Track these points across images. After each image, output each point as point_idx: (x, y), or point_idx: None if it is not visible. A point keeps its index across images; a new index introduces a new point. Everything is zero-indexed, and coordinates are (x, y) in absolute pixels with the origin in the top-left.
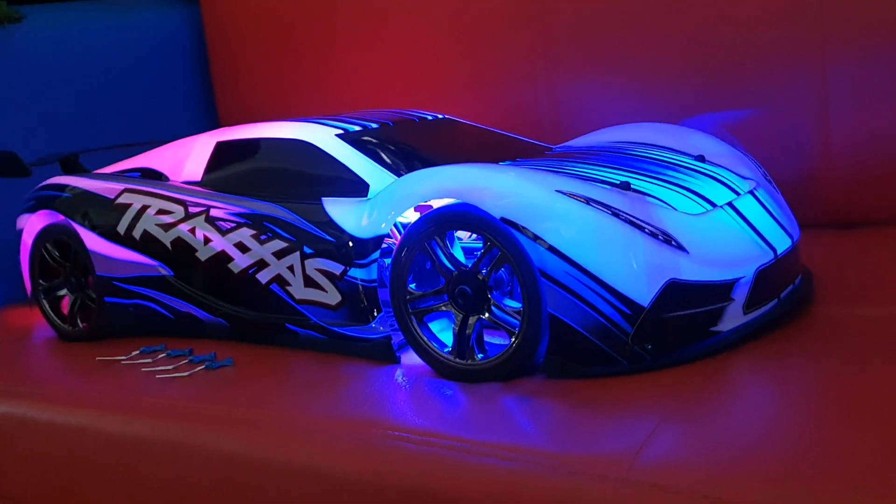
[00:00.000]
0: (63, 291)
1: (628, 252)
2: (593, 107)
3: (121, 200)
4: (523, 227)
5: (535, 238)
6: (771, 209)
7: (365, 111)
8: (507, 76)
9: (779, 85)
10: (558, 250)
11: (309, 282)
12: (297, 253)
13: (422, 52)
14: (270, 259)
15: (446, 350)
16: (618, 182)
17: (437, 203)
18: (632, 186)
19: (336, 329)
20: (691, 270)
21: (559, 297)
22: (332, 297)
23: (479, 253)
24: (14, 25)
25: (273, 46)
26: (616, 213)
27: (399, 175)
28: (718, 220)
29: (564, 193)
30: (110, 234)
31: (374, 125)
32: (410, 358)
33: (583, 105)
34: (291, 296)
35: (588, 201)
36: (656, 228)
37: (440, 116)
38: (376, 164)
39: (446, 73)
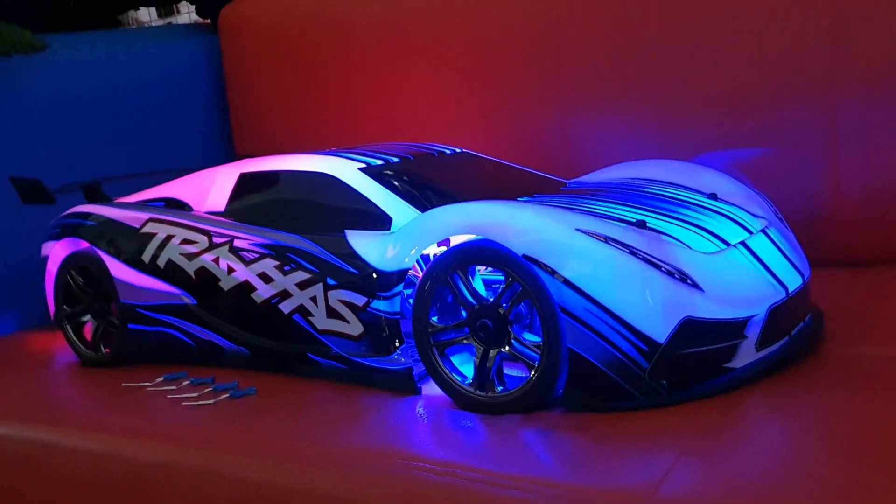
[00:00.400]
0: (86, 317)
1: (645, 290)
2: (606, 143)
3: (146, 229)
4: (544, 264)
5: (556, 275)
6: (783, 248)
7: (384, 144)
8: (521, 111)
9: (789, 124)
10: (578, 287)
11: (331, 313)
12: (321, 284)
13: (438, 85)
14: (293, 290)
15: (467, 382)
16: (633, 220)
17: (459, 238)
18: (647, 225)
19: (357, 359)
20: (706, 308)
21: (578, 332)
22: (355, 328)
23: (498, 286)
24: (38, 54)
25: (289, 77)
26: (634, 252)
27: (421, 209)
28: (732, 259)
29: (584, 232)
30: (135, 263)
31: (395, 159)
32: (431, 389)
33: (596, 141)
34: (314, 326)
35: (607, 240)
36: (672, 267)
37: (458, 150)
38: (399, 198)
39: (462, 106)
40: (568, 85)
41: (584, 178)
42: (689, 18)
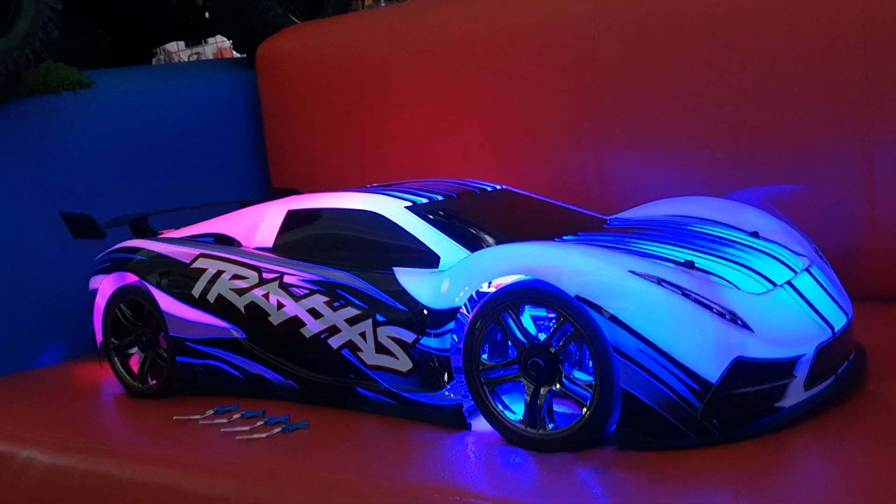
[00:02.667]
0: (134, 350)
1: (697, 330)
2: (641, 179)
3: (196, 265)
4: (598, 306)
5: (609, 316)
6: (826, 286)
7: (425, 181)
8: (556, 146)
9: (824, 160)
10: (631, 328)
11: (380, 348)
12: (370, 320)
13: (473, 120)
14: (342, 325)
15: (517, 419)
16: (682, 260)
17: (510, 279)
18: (696, 265)
19: (407, 395)
20: (756, 348)
21: (632, 372)
22: (404, 363)
23: (548, 324)
24: (84, 91)
25: (325, 112)
26: (686, 294)
27: (468, 247)
28: (780, 299)
29: (637, 273)
30: (185, 297)
31: (440, 197)
32: (480, 425)
33: (631, 177)
34: (363, 361)
35: (659, 281)
36: (723, 308)
37: (498, 187)
38: (446, 237)
39: (497, 142)
40: (603, 122)
41: (625, 215)
42: (726, 55)
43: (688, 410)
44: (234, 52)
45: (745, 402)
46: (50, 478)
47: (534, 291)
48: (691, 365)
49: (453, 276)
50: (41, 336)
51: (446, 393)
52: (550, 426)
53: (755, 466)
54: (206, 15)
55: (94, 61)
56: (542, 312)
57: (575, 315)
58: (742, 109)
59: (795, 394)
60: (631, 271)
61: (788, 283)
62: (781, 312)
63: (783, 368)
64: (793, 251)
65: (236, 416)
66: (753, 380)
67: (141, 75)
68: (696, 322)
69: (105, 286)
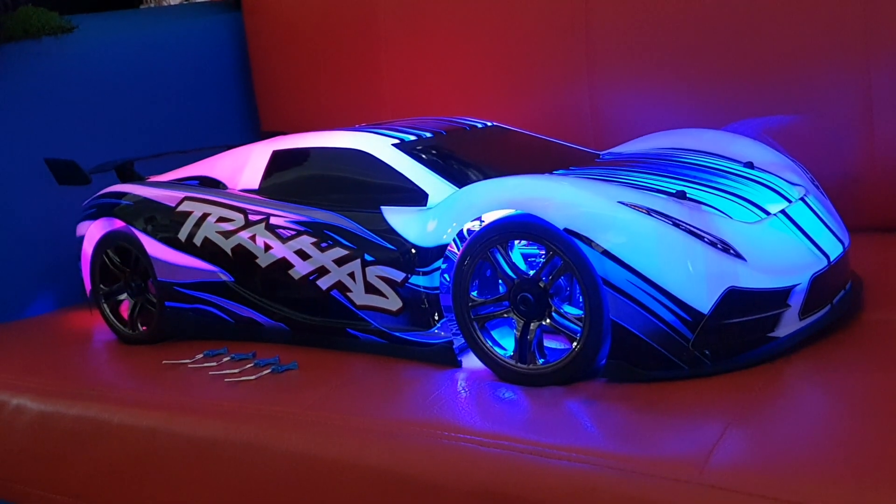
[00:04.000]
0: (123, 296)
1: (689, 261)
2: (635, 113)
3: (182, 208)
4: (587, 238)
5: (598, 247)
6: (821, 215)
7: (414, 119)
8: (550, 82)
9: (822, 89)
10: (620, 259)
11: (370, 288)
12: (358, 260)
13: (465, 57)
14: (331, 266)
15: (508, 355)
16: (673, 191)
17: (497, 214)
18: (687, 195)
19: (397, 334)
20: (749, 278)
21: (621, 304)
22: (393, 303)
23: (535, 259)
24: (66, 35)
25: (314, 52)
26: (676, 224)
27: (457, 184)
28: (773, 228)
29: (626, 204)
30: (171, 241)
31: (428, 134)
32: (470, 362)
33: (626, 110)
34: (352, 301)
35: (649, 212)
36: (715, 237)
37: (489, 124)
38: (434, 174)
39: (490, 78)
40: (596, 55)
41: (618, 150)
42: None
43: (679, 341)
44: None
45: (738, 332)
46: (41, 423)
47: (521, 226)
48: (682, 295)
49: (441, 213)
50: (32, 285)
51: (436, 331)
52: (541, 361)
53: (747, 397)
54: None
55: (80, 7)
56: (533, 250)
57: (564, 248)
58: (738, 40)
59: (790, 323)
60: (620, 202)
61: (782, 211)
62: (775, 241)
63: (777, 298)
64: (788, 181)
65: (226, 359)
66: (746, 309)
67: (124, 19)
68: (688, 252)
69: (92, 232)
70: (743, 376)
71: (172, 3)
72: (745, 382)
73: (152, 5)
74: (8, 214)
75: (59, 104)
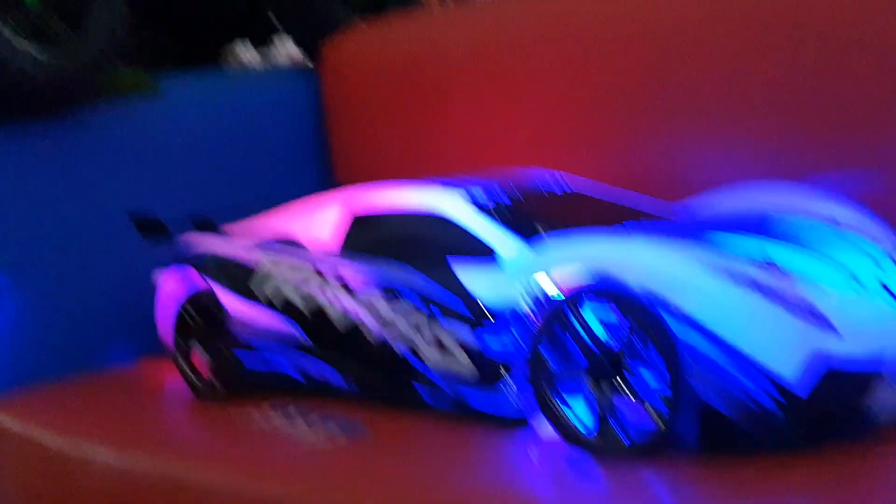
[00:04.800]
0: (197, 348)
1: (779, 333)
2: (708, 164)
3: (261, 267)
4: (669, 304)
5: (682, 317)
6: None
7: (487, 173)
8: (621, 132)
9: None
10: (706, 329)
11: (440, 348)
12: (430, 319)
13: (536, 109)
14: (402, 325)
15: (584, 425)
16: (759, 256)
17: (573, 274)
18: (776, 262)
19: (465, 394)
20: (843, 352)
21: (708, 378)
22: (464, 364)
23: (617, 326)
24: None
25: (389, 109)
26: (766, 293)
27: (531, 244)
28: (868, 299)
29: (712, 269)
30: (249, 298)
31: (503, 192)
32: (542, 427)
33: (698, 162)
34: (422, 361)
35: (737, 279)
36: (806, 307)
37: (562, 180)
38: (509, 233)
39: (561, 128)
40: (669, 106)
41: (694, 203)
42: (803, 30)
43: (770, 419)
44: (297, 51)
45: (832, 409)
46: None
47: (600, 291)
48: (773, 371)
49: (514, 273)
50: (113, 335)
51: (507, 393)
52: (619, 433)
53: (842, 475)
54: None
55: (161, 62)
56: (613, 319)
57: (644, 315)
58: (813, 94)
59: (886, 400)
60: (705, 267)
61: (882, 284)
62: (872, 315)
63: (873, 374)
64: (876, 242)
65: (297, 417)
66: (841, 386)
67: (207, 80)
68: (778, 324)
69: (169, 285)
70: (836, 455)
71: (252, 61)
72: (839, 462)
73: (234, 64)
74: (94, 267)
75: (141, 160)
